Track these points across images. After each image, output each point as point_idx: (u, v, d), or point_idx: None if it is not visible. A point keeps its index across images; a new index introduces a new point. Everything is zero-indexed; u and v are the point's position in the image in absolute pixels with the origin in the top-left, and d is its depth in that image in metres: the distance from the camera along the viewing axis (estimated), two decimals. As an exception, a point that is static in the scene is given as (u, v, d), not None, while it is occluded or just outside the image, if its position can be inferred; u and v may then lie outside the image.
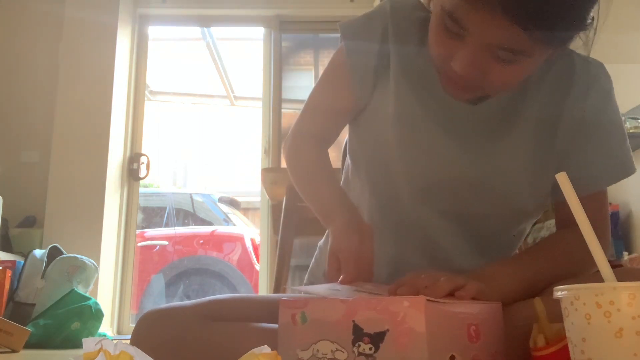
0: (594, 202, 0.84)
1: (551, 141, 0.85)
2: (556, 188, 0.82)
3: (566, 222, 0.88)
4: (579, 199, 0.79)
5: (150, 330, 0.80)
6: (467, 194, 0.85)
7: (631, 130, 2.22)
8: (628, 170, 0.86)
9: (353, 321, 0.56)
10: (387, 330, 0.54)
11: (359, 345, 0.55)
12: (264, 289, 3.35)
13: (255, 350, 0.45)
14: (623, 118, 2.30)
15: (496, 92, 0.81)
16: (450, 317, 0.57)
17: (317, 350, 0.58)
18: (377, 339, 0.55)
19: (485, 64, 0.72)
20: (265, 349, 0.45)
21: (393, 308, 0.54)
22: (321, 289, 0.70)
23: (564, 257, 0.83)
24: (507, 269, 0.80)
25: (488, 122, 0.85)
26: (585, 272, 0.82)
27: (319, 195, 0.90)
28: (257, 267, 4.24)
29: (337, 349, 0.57)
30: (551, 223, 2.49)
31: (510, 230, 0.91)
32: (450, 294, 0.65)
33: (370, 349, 0.55)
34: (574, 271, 0.80)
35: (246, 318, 0.81)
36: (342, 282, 0.73)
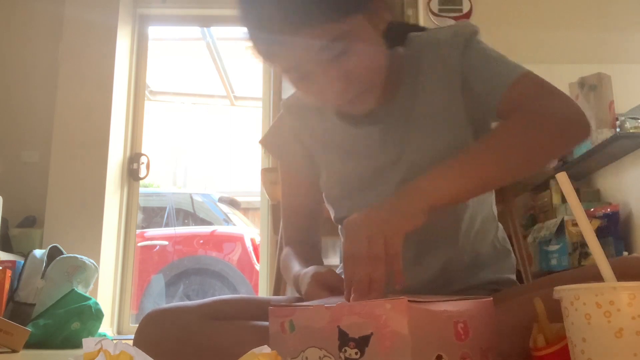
0: (528, 87, 0.83)
1: (455, 93, 0.89)
2: (485, 119, 0.91)
3: (506, 113, 0.84)
4: (506, 100, 0.83)
5: (154, 329, 0.81)
6: None
7: (631, 130, 2.21)
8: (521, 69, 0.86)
9: (338, 327, 0.57)
10: (372, 333, 0.54)
11: (345, 351, 0.56)
12: (264, 289, 3.35)
13: (256, 350, 0.45)
14: (623, 118, 2.30)
15: (370, 81, 0.83)
16: (435, 316, 0.56)
17: (306, 358, 0.59)
18: (362, 343, 0.55)
19: (333, 71, 0.78)
20: (265, 349, 0.45)
21: (376, 312, 0.55)
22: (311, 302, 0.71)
23: (502, 141, 0.78)
24: (439, 170, 0.76)
25: (396, 129, 0.91)
26: (530, 157, 0.78)
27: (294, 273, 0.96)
28: (257, 267, 4.24)
29: (325, 355, 0.57)
30: (551, 223, 2.49)
31: (474, 212, 0.93)
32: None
33: (356, 353, 0.55)
34: (518, 153, 0.77)
35: (250, 318, 0.82)
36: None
